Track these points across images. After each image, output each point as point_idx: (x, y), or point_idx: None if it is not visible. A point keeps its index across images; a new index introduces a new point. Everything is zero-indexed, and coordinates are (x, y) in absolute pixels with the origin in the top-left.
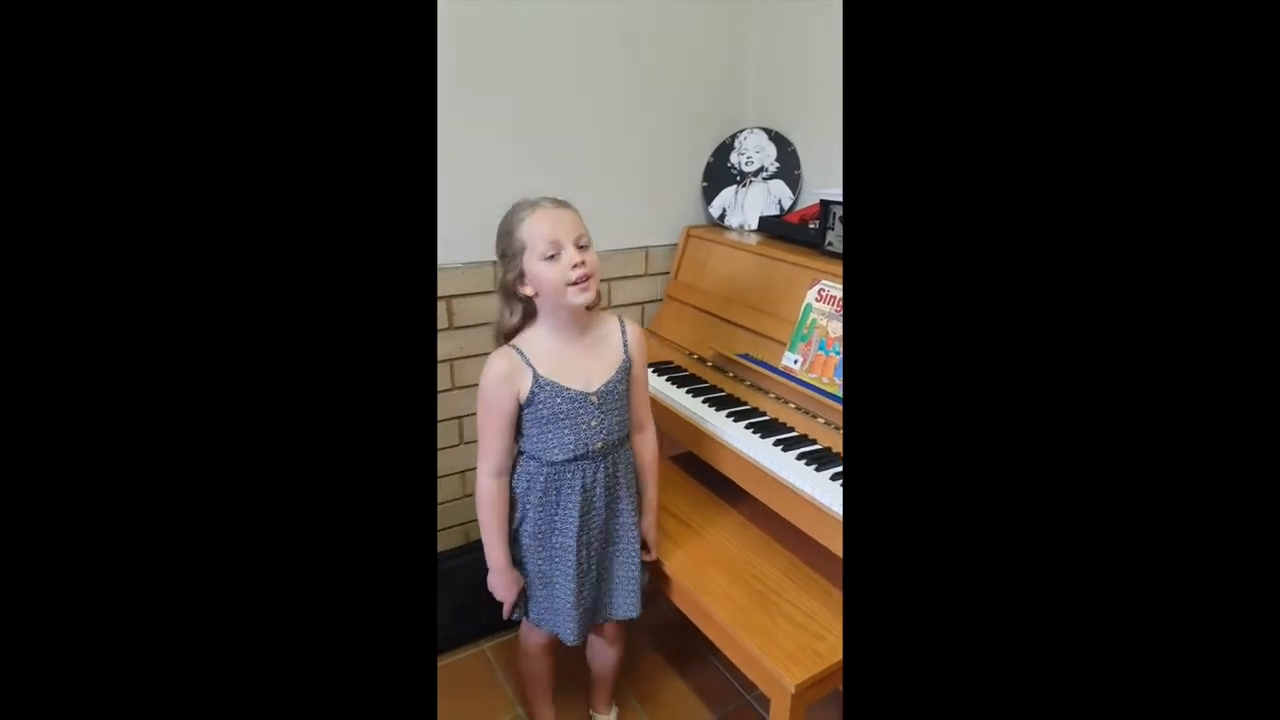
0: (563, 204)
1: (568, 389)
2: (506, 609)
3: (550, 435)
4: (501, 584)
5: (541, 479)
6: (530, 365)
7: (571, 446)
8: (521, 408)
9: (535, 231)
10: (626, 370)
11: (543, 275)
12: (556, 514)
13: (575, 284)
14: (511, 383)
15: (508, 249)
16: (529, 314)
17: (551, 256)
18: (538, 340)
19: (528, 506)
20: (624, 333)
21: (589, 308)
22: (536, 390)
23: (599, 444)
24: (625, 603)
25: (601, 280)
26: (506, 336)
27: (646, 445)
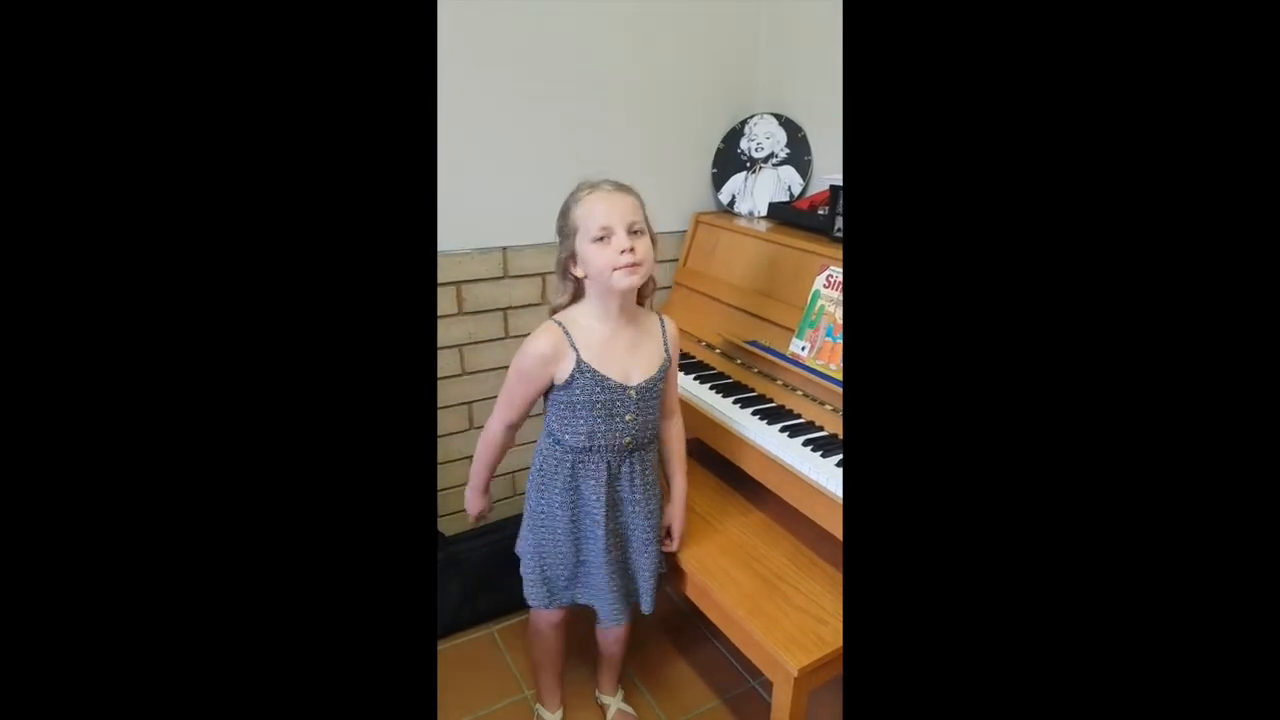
0: (623, 187)
1: (608, 379)
2: (473, 517)
3: (580, 420)
4: (471, 499)
5: (568, 464)
6: (575, 348)
7: (601, 435)
8: (556, 388)
9: (588, 214)
10: (666, 370)
11: (591, 258)
12: (580, 500)
13: (621, 269)
14: (551, 364)
15: (564, 228)
16: (578, 295)
17: (601, 239)
18: (586, 323)
19: (554, 493)
20: (665, 331)
21: (640, 298)
22: (577, 375)
23: (628, 439)
24: (646, 598)
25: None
26: (555, 314)
27: (674, 432)
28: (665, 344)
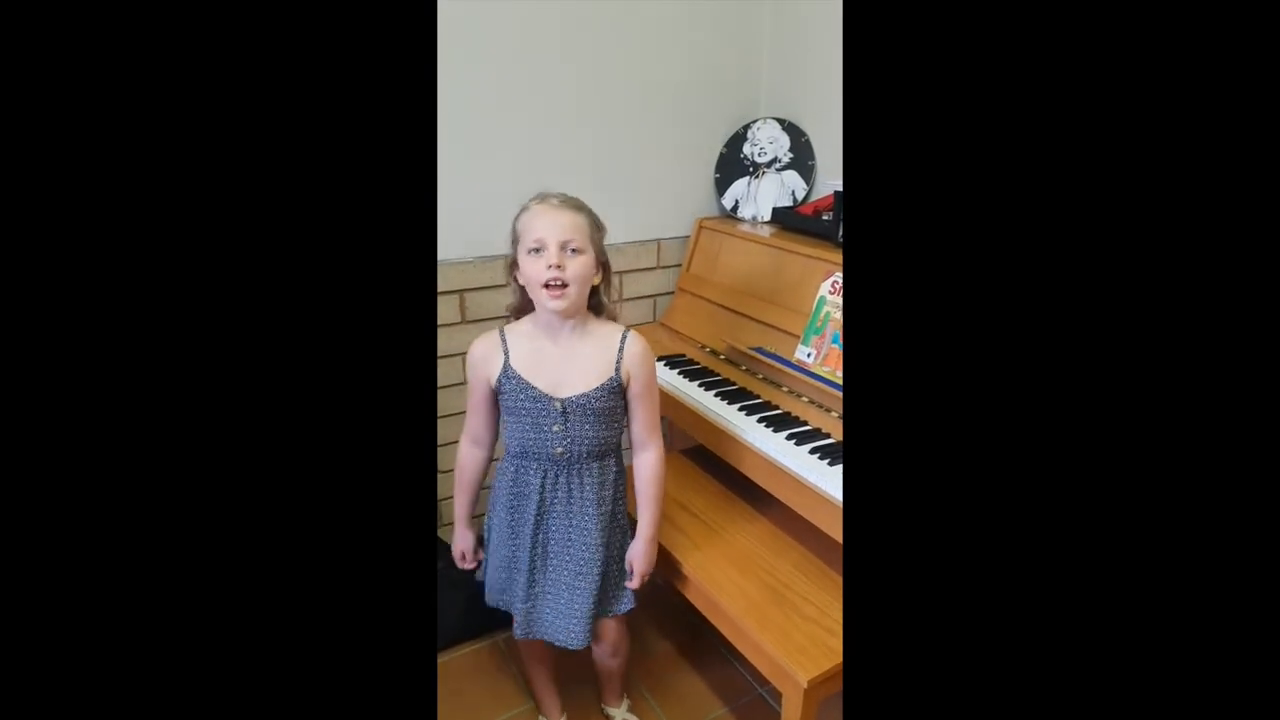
0: (574, 205)
1: (533, 387)
2: (456, 559)
3: (513, 426)
4: (456, 534)
5: (511, 470)
6: (506, 353)
7: (531, 442)
8: (495, 393)
9: (527, 226)
10: (614, 390)
11: (525, 268)
12: (522, 507)
13: (547, 287)
14: (485, 365)
15: (512, 234)
16: (528, 302)
17: (535, 250)
18: (525, 330)
19: (499, 496)
20: (621, 349)
21: (597, 311)
22: (504, 380)
23: (559, 450)
24: (567, 630)
25: (614, 273)
26: (514, 312)
27: (645, 466)
28: (618, 363)
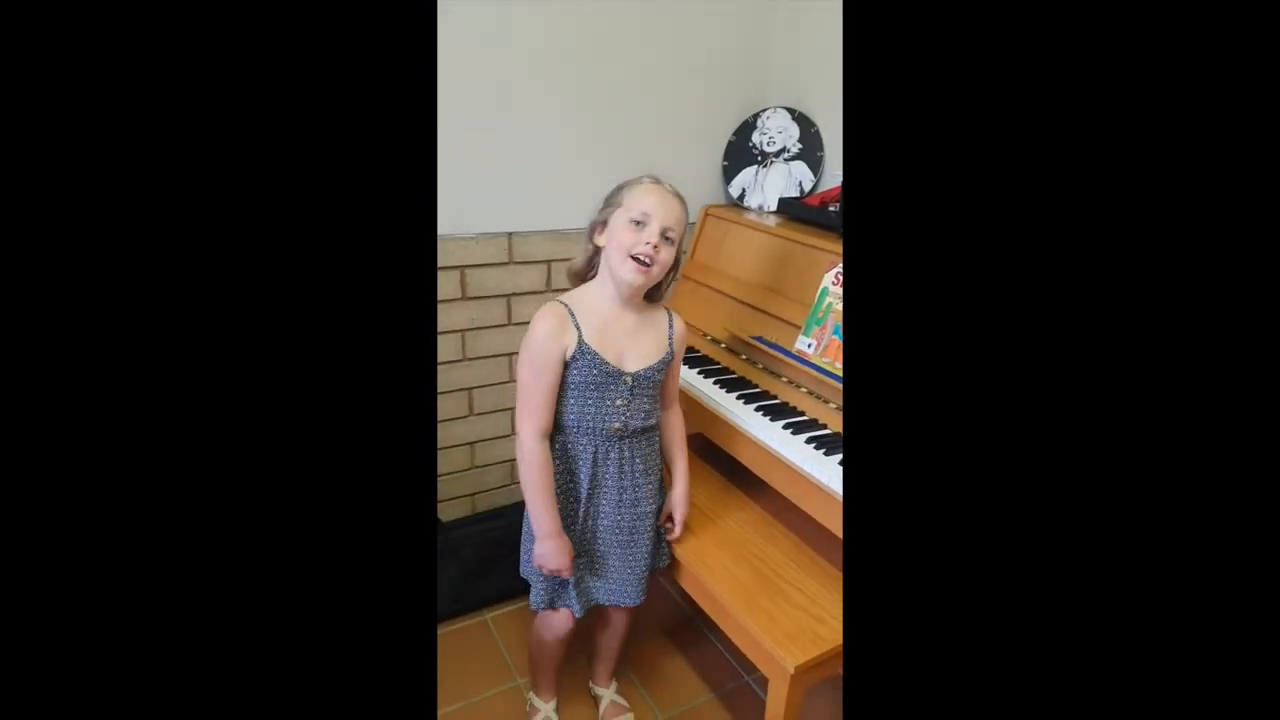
0: (680, 199)
1: (606, 362)
2: (566, 572)
3: (571, 400)
4: (553, 549)
5: (559, 445)
6: (578, 326)
7: (589, 417)
8: (566, 365)
9: (639, 198)
10: (668, 363)
11: (617, 234)
12: (570, 484)
13: (635, 258)
14: (561, 337)
15: (610, 199)
16: (592, 268)
17: (636, 222)
18: (589, 302)
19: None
20: (671, 326)
21: (650, 296)
22: (579, 354)
23: (616, 425)
24: (624, 591)
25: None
26: (575, 276)
27: (675, 422)
28: (670, 338)
